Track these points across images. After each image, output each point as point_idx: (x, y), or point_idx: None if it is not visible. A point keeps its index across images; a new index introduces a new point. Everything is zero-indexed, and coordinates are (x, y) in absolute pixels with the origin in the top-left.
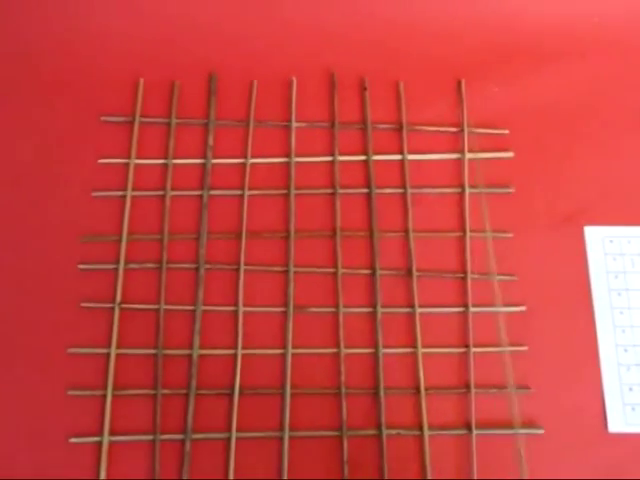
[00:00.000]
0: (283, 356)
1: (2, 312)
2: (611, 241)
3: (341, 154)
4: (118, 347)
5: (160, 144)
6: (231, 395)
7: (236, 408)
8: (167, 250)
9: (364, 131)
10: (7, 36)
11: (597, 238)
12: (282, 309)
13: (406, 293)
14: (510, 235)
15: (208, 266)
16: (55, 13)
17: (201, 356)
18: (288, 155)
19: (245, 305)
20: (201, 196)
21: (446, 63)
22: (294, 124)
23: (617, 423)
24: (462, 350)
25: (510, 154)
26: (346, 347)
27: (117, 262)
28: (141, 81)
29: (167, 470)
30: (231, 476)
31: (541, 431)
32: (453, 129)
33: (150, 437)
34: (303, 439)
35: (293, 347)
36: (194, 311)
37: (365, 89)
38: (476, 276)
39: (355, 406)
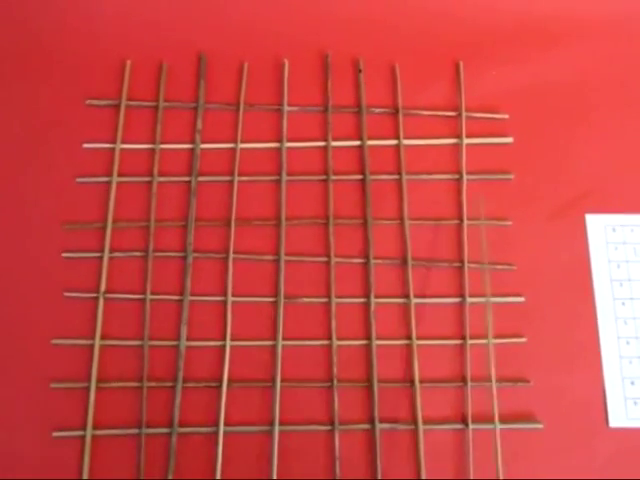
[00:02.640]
0: (273, 348)
1: None
2: (613, 230)
3: (334, 139)
4: (102, 338)
5: (147, 128)
6: (219, 388)
7: (224, 401)
8: (154, 238)
9: (358, 115)
10: None
11: (599, 226)
12: (272, 299)
13: (401, 283)
14: (509, 223)
15: (196, 255)
16: None
17: (188, 347)
18: (280, 140)
19: (234, 295)
20: (189, 182)
21: (444, 45)
22: (286, 108)
23: (618, 418)
24: (458, 342)
25: (509, 139)
26: (338, 339)
27: (102, 250)
28: (128, 63)
29: (152, 465)
30: (218, 472)
31: (540, 426)
32: (451, 113)
33: (135, 431)
34: (293, 434)
35: (284, 339)
36: (181, 301)
37: (360, 71)
38: (473, 266)
39: (347, 399)
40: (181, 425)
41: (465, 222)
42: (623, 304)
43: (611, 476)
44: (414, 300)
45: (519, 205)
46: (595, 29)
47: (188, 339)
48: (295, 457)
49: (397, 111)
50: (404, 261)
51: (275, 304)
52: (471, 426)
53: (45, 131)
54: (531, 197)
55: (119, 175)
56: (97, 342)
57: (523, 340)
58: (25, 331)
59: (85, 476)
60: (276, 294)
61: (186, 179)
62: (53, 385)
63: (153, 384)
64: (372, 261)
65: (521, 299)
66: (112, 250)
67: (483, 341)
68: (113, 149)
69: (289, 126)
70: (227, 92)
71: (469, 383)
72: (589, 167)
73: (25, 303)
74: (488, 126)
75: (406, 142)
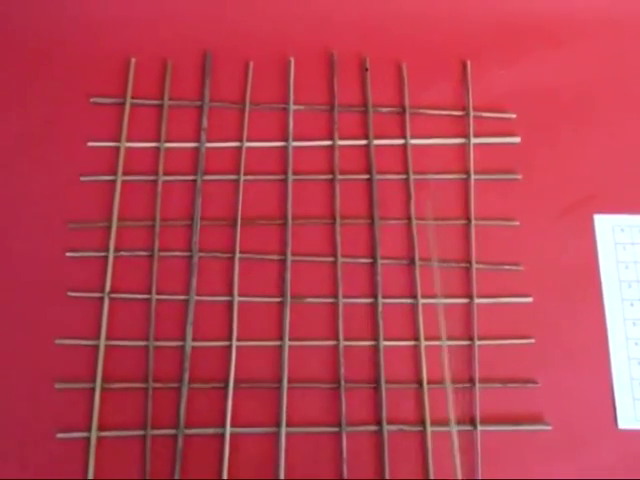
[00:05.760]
0: (280, 348)
1: None
2: (622, 230)
3: (341, 138)
4: (107, 338)
5: (152, 126)
6: (225, 389)
7: (230, 402)
8: (159, 237)
9: (365, 114)
10: None
11: (607, 227)
12: (279, 299)
13: (408, 283)
14: (517, 223)
15: (202, 254)
16: None
17: (194, 348)
18: (285, 139)
19: (240, 295)
20: (194, 181)
21: (451, 44)
22: (292, 107)
23: (627, 419)
24: (466, 343)
25: (517, 139)
26: (345, 339)
27: (107, 250)
28: (132, 61)
29: (158, 467)
30: (225, 474)
31: (548, 427)
32: (458, 113)
33: (141, 432)
34: (300, 435)
35: (290, 339)
36: (187, 301)
37: (366, 70)
38: (481, 266)
39: (355, 401)
40: (187, 426)
41: (473, 222)
42: (632, 305)
43: (620, 477)
44: (422, 300)
45: (527, 205)
46: (603, 29)
47: (194, 339)
48: (302, 459)
49: (404, 110)
50: (411, 261)
51: (281, 304)
52: (479, 427)
53: (49, 129)
54: (539, 197)
55: (124, 174)
56: (102, 342)
57: (531, 341)
58: (29, 331)
59: (90, 478)
60: (282, 294)
61: (191, 178)
62: (57, 386)
63: (159, 385)
64: (379, 261)
65: (529, 299)
66: (117, 249)
67: (491, 342)
68: (118, 148)
69: (295, 125)
70: (232, 90)
71: (477, 384)
72: (597, 167)
73: (29, 302)
74: (495, 126)
75: (413, 141)
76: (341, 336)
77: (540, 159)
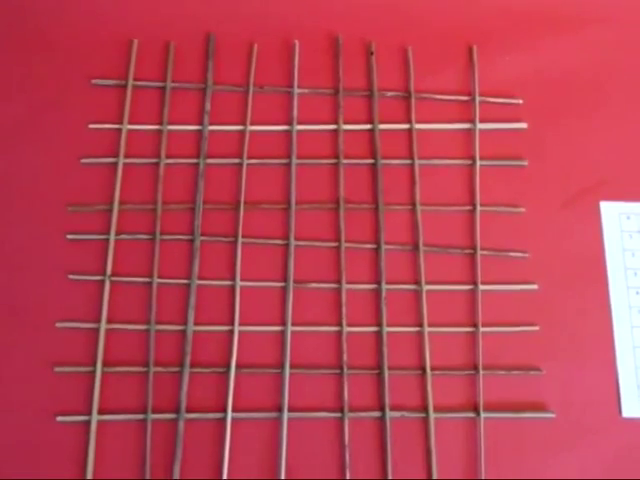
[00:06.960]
0: (282, 334)
1: None
2: (628, 217)
3: (345, 123)
4: (108, 322)
5: (154, 109)
6: (227, 374)
7: (232, 387)
8: (160, 221)
9: (370, 99)
10: None
11: (613, 214)
12: (281, 284)
13: (412, 269)
14: (522, 210)
15: (204, 238)
16: None
17: (196, 332)
18: (289, 123)
19: (243, 280)
20: (197, 164)
21: (458, 28)
22: (296, 90)
23: (632, 408)
24: (470, 330)
25: (523, 125)
26: (349, 325)
27: (108, 233)
28: (134, 42)
29: (158, 452)
30: (226, 459)
31: (552, 415)
32: (464, 98)
33: (141, 417)
34: (302, 421)
35: (293, 324)
36: (189, 285)
37: (372, 54)
38: (486, 252)
39: (357, 387)
40: (188, 411)
41: (478, 208)
42: (637, 293)
43: (624, 466)
44: (425, 287)
45: (533, 192)
46: (610, 14)
47: (195, 324)
48: (304, 445)
49: (409, 95)
50: (415, 247)
51: (284, 289)
52: (482, 415)
53: (50, 111)
54: (545, 184)
55: (125, 157)
56: (103, 326)
57: (536, 328)
58: (29, 314)
59: (90, 462)
60: (285, 279)
61: (194, 161)
62: (57, 369)
63: (159, 369)
64: (383, 247)
65: (534, 287)
66: (118, 232)
67: (495, 329)
68: (119, 130)
69: (299, 109)
70: (236, 73)
71: (481, 371)
72: (604, 154)
73: (29, 285)
74: (502, 111)
75: (418, 126)
76: (344, 322)
77: (547, 145)
